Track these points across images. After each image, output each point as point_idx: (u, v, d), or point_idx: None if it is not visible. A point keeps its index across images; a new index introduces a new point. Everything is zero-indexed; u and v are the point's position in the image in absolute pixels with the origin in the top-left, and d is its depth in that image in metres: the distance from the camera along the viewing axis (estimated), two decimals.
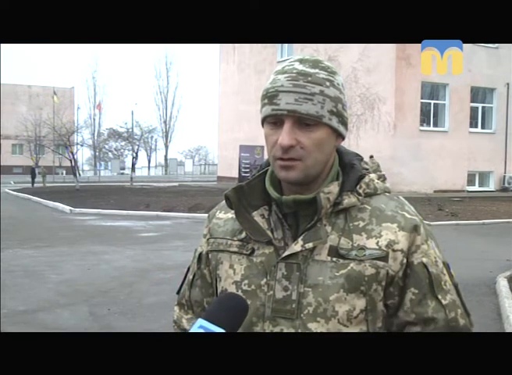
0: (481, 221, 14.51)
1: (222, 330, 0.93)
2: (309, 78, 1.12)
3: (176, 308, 1.38)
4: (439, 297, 1.14)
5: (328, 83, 1.14)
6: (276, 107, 1.12)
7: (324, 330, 1.12)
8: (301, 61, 1.15)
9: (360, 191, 1.18)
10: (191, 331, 0.94)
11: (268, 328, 1.15)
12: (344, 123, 1.18)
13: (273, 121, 1.14)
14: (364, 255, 1.13)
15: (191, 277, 1.34)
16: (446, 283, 1.16)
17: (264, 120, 1.16)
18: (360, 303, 1.13)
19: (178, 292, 1.38)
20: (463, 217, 15.12)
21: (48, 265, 8.81)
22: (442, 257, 1.20)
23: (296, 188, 1.18)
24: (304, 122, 1.12)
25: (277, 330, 1.14)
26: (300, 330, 1.13)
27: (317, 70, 1.14)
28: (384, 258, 1.13)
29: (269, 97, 1.13)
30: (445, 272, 1.17)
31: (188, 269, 1.37)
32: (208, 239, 1.30)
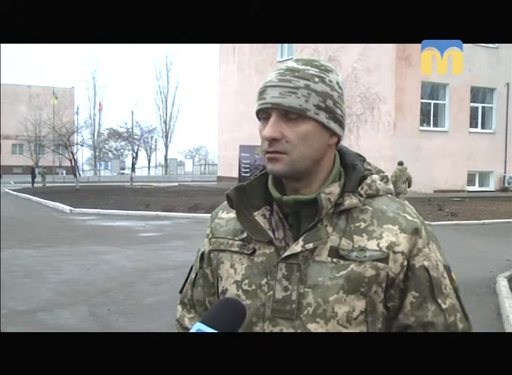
0: (481, 221, 14.52)
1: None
2: (296, 73, 1.14)
3: (179, 307, 1.38)
4: (439, 301, 1.14)
5: (317, 79, 1.14)
6: (263, 101, 1.14)
7: (323, 331, 1.12)
8: (296, 60, 1.17)
9: (362, 192, 1.18)
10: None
11: (267, 328, 1.15)
12: (337, 120, 1.17)
13: (263, 116, 1.16)
14: (365, 256, 1.12)
15: (193, 277, 1.34)
16: (446, 287, 1.16)
17: (257, 118, 1.19)
18: (360, 304, 1.12)
19: (181, 291, 1.39)
20: (463, 217, 15.13)
21: (48, 265, 8.81)
22: (444, 260, 1.19)
23: (297, 188, 1.18)
24: (288, 115, 1.13)
25: (277, 330, 1.14)
26: (299, 331, 1.12)
27: (308, 67, 1.15)
28: (384, 259, 1.12)
29: (260, 93, 1.16)
30: (445, 275, 1.17)
31: (191, 268, 1.37)
32: (210, 239, 1.30)
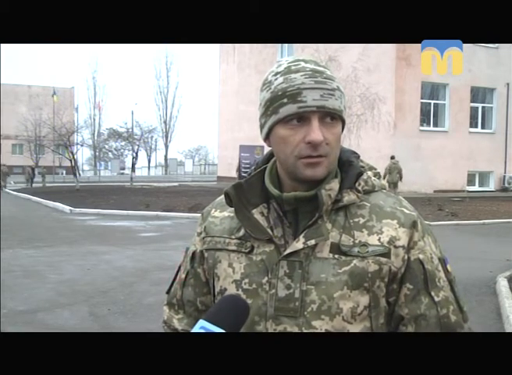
0: (481, 221, 14.51)
1: (222, 331, 0.93)
2: (324, 75, 1.13)
3: (166, 308, 1.35)
4: (432, 294, 1.15)
5: (336, 80, 1.16)
6: (303, 104, 1.10)
7: (328, 328, 1.12)
8: (305, 61, 1.16)
9: (359, 188, 1.18)
10: (192, 331, 0.94)
11: (270, 327, 1.14)
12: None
13: (296, 120, 1.12)
14: (367, 251, 1.13)
15: (184, 276, 1.32)
16: (440, 279, 1.17)
17: (278, 122, 1.14)
18: (364, 300, 1.13)
19: (168, 292, 1.37)
20: (463, 217, 15.13)
21: (48, 265, 8.81)
22: (440, 252, 1.20)
23: (298, 186, 1.17)
24: (327, 118, 1.12)
25: (280, 328, 1.14)
26: (304, 328, 1.12)
27: (323, 68, 1.16)
28: (386, 254, 1.13)
29: (290, 95, 1.11)
30: (440, 268, 1.18)
31: (179, 267, 1.35)
32: (203, 238, 1.28)
